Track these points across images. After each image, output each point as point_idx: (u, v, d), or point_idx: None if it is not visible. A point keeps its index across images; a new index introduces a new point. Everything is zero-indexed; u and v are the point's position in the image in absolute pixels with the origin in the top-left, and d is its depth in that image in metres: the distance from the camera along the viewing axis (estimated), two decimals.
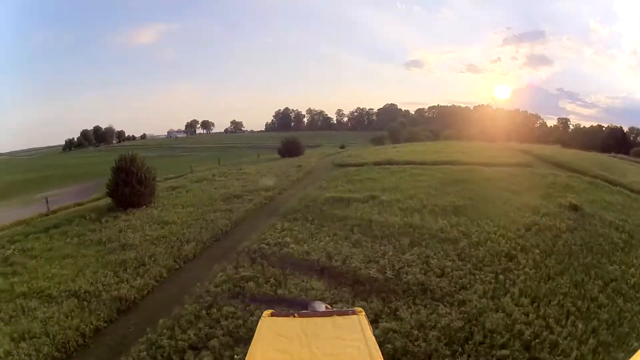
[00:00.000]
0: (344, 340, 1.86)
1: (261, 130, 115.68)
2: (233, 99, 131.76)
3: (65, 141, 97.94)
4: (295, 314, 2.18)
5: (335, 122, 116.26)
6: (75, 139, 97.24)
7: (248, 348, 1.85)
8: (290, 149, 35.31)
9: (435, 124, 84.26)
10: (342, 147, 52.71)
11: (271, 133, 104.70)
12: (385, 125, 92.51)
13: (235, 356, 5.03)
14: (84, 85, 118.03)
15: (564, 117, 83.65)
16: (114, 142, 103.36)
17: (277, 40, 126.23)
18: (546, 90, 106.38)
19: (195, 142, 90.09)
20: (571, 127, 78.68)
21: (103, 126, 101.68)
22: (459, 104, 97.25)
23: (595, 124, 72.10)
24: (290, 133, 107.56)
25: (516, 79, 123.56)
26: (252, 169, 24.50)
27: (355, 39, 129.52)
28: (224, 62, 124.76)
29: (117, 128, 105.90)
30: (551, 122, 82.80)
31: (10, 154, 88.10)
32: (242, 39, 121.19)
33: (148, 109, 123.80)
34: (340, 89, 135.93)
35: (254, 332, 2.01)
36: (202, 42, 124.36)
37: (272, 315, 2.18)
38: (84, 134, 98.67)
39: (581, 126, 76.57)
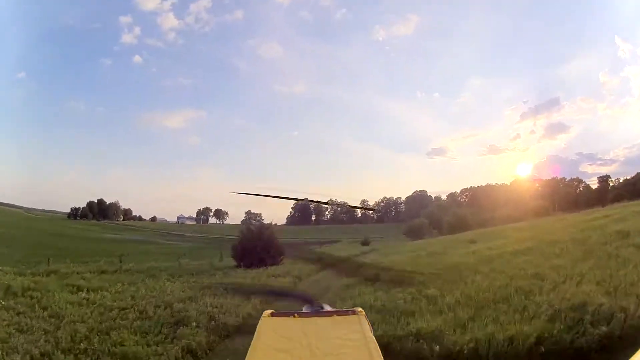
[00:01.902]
0: (344, 340, 1.84)
1: (283, 224, 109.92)
2: (253, 190, 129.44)
3: (71, 209, 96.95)
4: (295, 314, 2.19)
5: (359, 214, 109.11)
6: (81, 209, 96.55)
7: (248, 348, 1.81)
8: (249, 253, 20.77)
9: (471, 207, 75.22)
10: (366, 242, 45.82)
11: (290, 227, 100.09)
12: (414, 215, 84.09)
13: None
14: (104, 157, 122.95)
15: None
16: (121, 218, 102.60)
17: (303, 133, 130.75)
18: (566, 157, 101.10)
19: (199, 231, 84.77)
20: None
21: (107, 201, 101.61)
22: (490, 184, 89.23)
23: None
24: (311, 227, 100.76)
25: (536, 152, 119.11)
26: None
27: (378, 131, 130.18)
28: (246, 153, 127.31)
29: (126, 205, 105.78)
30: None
31: (22, 208, 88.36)
32: (267, 131, 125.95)
33: (164, 192, 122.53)
34: (362, 181, 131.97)
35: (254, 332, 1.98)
36: (226, 131, 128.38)
37: (272, 315, 2.17)
38: (90, 205, 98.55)
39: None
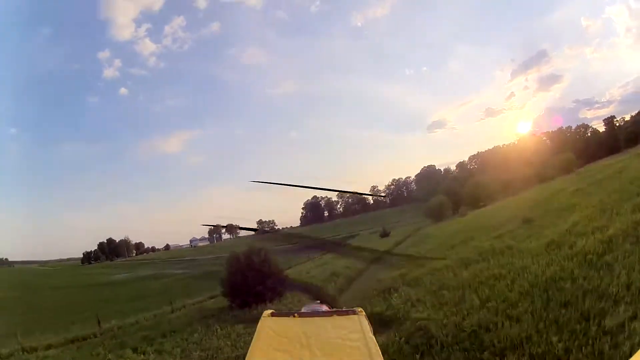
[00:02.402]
0: (344, 340, 1.83)
1: (297, 226, 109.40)
2: (260, 198, 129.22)
3: (83, 254, 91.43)
4: (295, 314, 2.20)
5: (371, 201, 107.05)
6: (93, 252, 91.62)
7: (248, 348, 1.81)
8: (240, 289, 16.88)
9: (484, 172, 72.83)
10: (385, 234, 41.44)
11: (305, 227, 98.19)
12: (428, 191, 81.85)
13: None
14: (110, 195, 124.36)
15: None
16: (133, 254, 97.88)
17: (301, 132, 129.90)
18: (563, 107, 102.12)
19: (213, 252, 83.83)
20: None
21: (118, 238, 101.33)
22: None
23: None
24: (324, 224, 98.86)
25: (534, 107, 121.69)
26: None
27: (374, 116, 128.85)
28: (248, 162, 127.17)
29: (137, 239, 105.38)
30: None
31: (38, 262, 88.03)
32: (265, 137, 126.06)
33: (174, 218, 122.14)
34: (369, 168, 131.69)
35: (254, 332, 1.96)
36: (225, 144, 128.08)
37: (272, 315, 2.18)
38: (100, 246, 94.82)
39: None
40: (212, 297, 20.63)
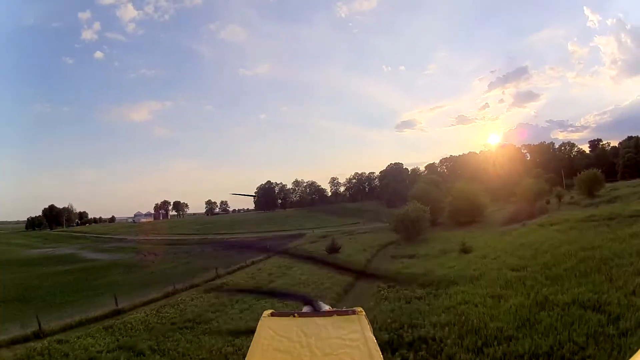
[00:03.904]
0: (344, 340, 1.82)
1: (249, 209, 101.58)
2: (223, 177, 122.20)
3: (27, 219, 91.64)
4: (295, 314, 2.09)
5: (329, 193, 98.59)
6: (36, 218, 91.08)
7: (248, 348, 1.80)
8: None
9: (455, 177, 66.62)
10: (334, 249, 29.58)
11: (257, 213, 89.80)
12: (392, 189, 74.43)
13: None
14: (66, 158, 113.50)
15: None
16: (76, 223, 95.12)
17: (270, 115, 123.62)
18: (536, 125, 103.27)
19: (151, 230, 71.89)
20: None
21: (70, 204, 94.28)
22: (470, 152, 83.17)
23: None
24: (277, 213, 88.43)
25: (506, 121, 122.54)
26: None
27: (345, 109, 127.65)
28: (214, 139, 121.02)
29: (88, 208, 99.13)
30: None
31: None
32: (234, 116, 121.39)
33: (130, 189, 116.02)
34: (332, 159, 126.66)
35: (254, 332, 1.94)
36: (193, 119, 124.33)
37: (272, 315, 2.07)
38: (44, 212, 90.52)
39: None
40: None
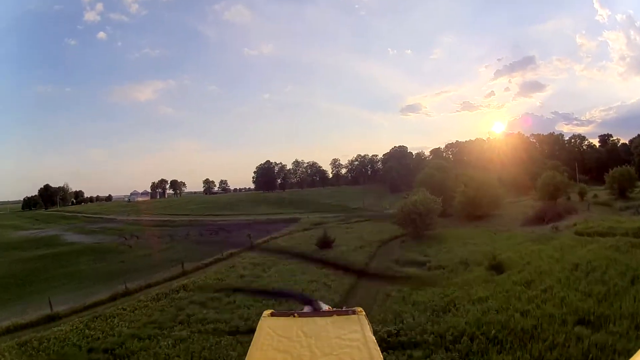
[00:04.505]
0: (344, 340, 1.85)
1: (249, 188, 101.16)
2: (224, 157, 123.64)
3: (24, 199, 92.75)
4: (295, 314, 2.13)
5: (330, 175, 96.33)
6: (32, 197, 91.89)
7: (248, 348, 1.80)
8: None
9: (461, 163, 63.73)
10: (326, 243, 26.84)
11: (258, 192, 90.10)
12: (395, 172, 71.75)
13: None
14: (70, 138, 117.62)
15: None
16: (72, 202, 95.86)
17: (274, 95, 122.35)
18: (541, 116, 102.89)
19: (147, 209, 71.15)
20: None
21: (71, 182, 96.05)
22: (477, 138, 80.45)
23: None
24: (275, 193, 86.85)
25: (511, 110, 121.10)
26: None
27: (349, 90, 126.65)
28: (218, 119, 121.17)
29: (85, 186, 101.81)
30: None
31: None
32: (238, 96, 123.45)
33: (132, 168, 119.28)
34: (335, 141, 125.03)
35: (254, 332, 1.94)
36: (197, 99, 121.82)
37: (272, 315, 2.11)
38: (40, 192, 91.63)
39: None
40: None
